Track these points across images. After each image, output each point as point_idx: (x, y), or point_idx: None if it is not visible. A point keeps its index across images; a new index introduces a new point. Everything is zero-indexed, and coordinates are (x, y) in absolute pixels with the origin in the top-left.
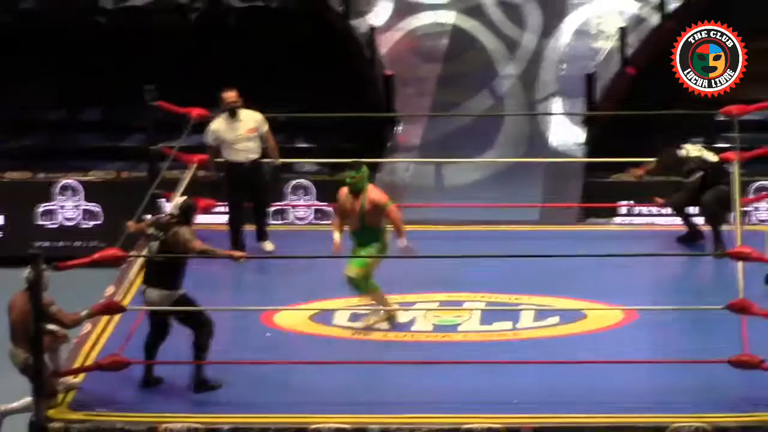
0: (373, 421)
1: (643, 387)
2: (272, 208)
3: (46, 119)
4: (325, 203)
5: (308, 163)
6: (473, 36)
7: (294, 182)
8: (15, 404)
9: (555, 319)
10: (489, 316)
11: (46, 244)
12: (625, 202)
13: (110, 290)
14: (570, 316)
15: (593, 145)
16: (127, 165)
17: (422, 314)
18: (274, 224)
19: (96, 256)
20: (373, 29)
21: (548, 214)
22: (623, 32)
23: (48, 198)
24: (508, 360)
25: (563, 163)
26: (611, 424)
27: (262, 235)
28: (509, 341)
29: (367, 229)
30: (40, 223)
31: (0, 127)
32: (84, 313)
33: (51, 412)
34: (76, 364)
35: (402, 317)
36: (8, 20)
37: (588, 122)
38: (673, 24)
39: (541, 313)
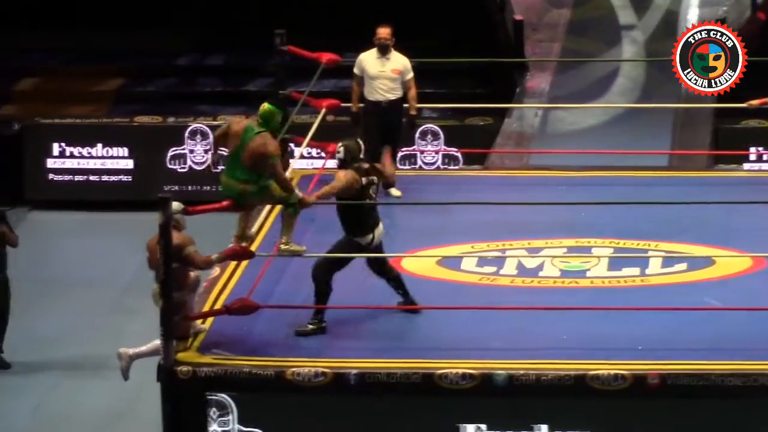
0: (500, 366)
1: None
2: (400, 154)
3: (175, 64)
4: (454, 148)
5: (437, 108)
6: None
7: (422, 127)
8: (143, 348)
9: (683, 266)
10: (617, 262)
11: (176, 188)
12: (754, 149)
13: None
14: (698, 262)
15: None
16: (254, 109)
17: (550, 260)
18: (402, 169)
19: (225, 202)
20: None
21: (677, 161)
22: None
23: (178, 142)
24: (636, 306)
25: (693, 109)
26: (738, 371)
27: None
28: (637, 287)
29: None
30: (170, 167)
31: (130, 72)
32: (215, 256)
33: (179, 356)
34: (205, 308)
35: (530, 263)
36: None
37: None
38: None
39: (669, 260)
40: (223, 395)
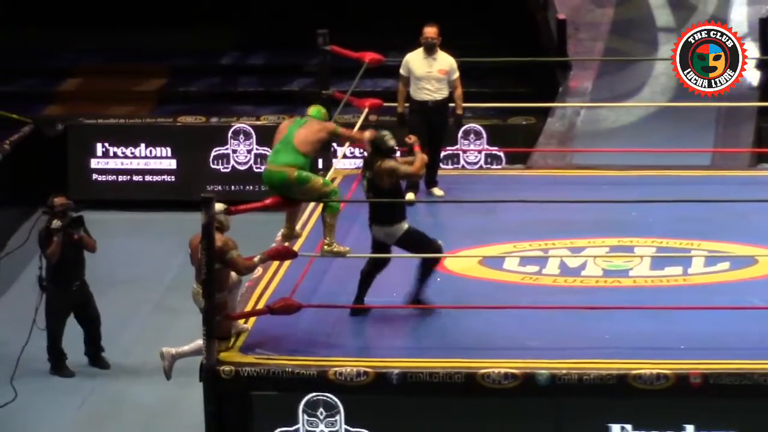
0: (542, 366)
1: None
2: (443, 153)
3: (218, 63)
4: (497, 148)
5: (479, 107)
6: None
7: (465, 127)
8: (186, 347)
9: (725, 265)
10: (659, 261)
11: (219, 188)
12: None
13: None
14: (741, 261)
15: (767, 89)
16: (296, 109)
17: (592, 259)
18: (445, 168)
19: (268, 201)
20: None
21: (720, 159)
22: None
23: (221, 142)
24: (678, 306)
25: (736, 108)
26: None
27: (431, 181)
28: (680, 287)
29: None
30: (213, 167)
31: (173, 72)
32: (257, 258)
33: (222, 355)
34: (248, 308)
35: (573, 262)
36: None
37: (762, 66)
38: None
39: (711, 259)
40: (330, 395)
